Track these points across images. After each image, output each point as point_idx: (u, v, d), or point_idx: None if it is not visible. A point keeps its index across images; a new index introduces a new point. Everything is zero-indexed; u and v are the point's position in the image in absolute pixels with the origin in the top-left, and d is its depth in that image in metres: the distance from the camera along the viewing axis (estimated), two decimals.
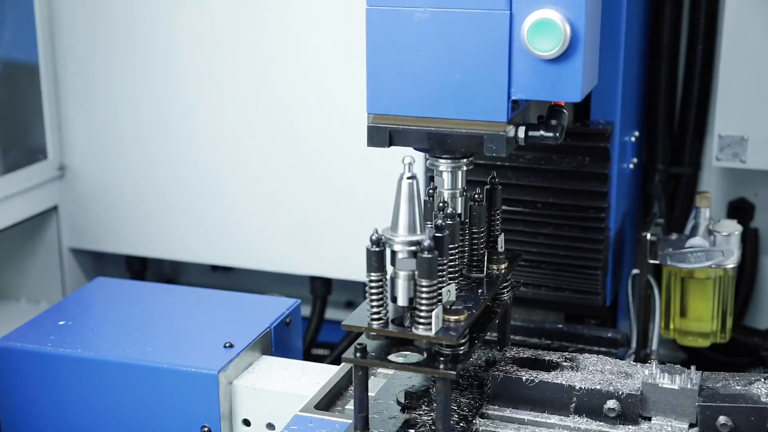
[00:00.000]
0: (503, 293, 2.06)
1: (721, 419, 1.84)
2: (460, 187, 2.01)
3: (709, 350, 2.82)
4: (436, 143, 1.95)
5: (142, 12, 2.98)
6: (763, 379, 1.91)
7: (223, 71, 2.95)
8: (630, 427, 1.89)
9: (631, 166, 2.71)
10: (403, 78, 1.92)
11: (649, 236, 2.49)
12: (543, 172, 2.45)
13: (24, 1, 3.04)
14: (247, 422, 2.22)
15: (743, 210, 3.05)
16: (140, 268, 3.38)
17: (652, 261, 2.50)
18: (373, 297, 1.77)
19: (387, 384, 2.03)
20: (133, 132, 3.08)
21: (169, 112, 3.03)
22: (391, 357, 1.82)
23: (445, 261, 1.80)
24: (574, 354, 2.05)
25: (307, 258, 3.02)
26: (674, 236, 2.58)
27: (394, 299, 1.77)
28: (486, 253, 2.04)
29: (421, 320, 1.75)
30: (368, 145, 2.00)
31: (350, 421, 1.90)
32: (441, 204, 1.94)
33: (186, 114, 3.02)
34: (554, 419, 1.93)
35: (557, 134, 1.96)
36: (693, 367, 1.92)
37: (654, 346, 2.58)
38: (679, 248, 2.51)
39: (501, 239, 2.09)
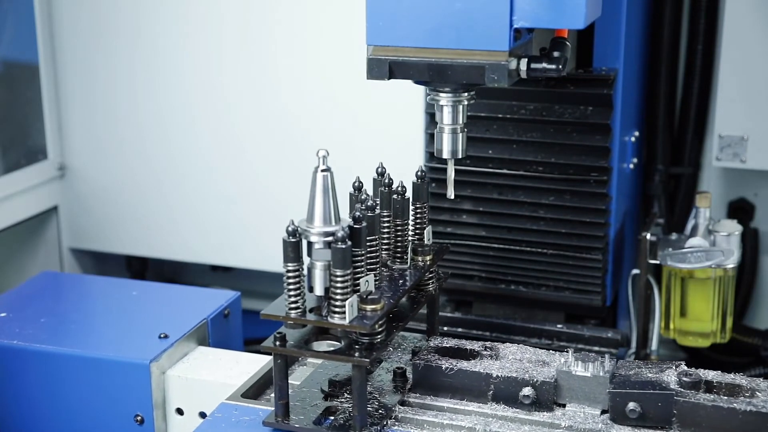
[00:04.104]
0: (428, 284, 2.09)
1: (630, 405, 1.87)
2: (461, 122, 1.99)
3: (709, 350, 2.83)
4: (436, 75, 1.91)
5: (142, 12, 2.98)
6: (674, 367, 1.94)
7: (223, 71, 2.95)
8: (545, 413, 1.92)
9: (631, 166, 2.71)
10: (404, 7, 1.89)
11: (649, 236, 2.49)
12: (544, 125, 2.42)
13: (24, 1, 3.04)
14: (180, 411, 2.25)
15: (743, 210, 3.05)
16: (140, 268, 3.39)
17: (652, 261, 2.51)
18: (291, 287, 1.81)
19: (314, 373, 2.07)
20: (133, 132, 3.08)
21: (169, 113, 3.03)
22: (313, 346, 1.86)
23: (362, 252, 1.82)
24: (494, 343, 2.07)
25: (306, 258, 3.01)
26: (674, 236, 2.58)
27: (311, 289, 1.81)
28: (410, 245, 2.04)
29: (337, 309, 1.78)
30: (368, 78, 1.95)
31: (273, 409, 1.93)
32: (363, 197, 1.95)
33: (186, 114, 3.02)
34: (472, 406, 1.96)
35: (560, 66, 1.93)
36: (607, 356, 1.95)
37: (654, 346, 2.58)
38: (679, 248, 2.51)
39: (428, 231, 2.11)
